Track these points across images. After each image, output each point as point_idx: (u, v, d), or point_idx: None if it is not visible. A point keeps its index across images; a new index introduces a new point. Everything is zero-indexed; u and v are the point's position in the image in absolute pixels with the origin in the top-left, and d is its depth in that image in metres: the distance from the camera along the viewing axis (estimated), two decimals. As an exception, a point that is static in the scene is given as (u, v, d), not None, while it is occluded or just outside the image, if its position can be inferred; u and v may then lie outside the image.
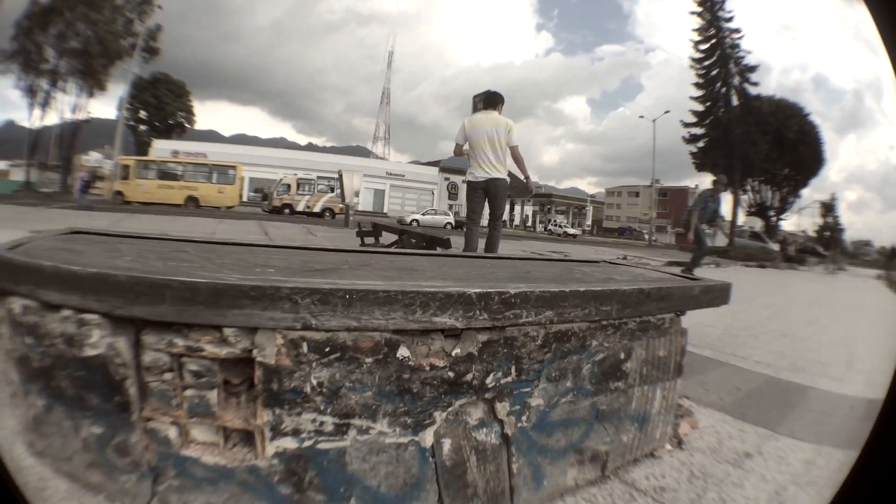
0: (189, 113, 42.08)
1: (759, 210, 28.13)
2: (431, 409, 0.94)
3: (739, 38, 27.14)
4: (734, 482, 1.27)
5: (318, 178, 23.05)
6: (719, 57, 27.41)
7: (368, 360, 0.87)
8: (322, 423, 0.88)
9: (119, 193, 21.78)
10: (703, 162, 27.87)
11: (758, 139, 25.21)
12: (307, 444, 0.88)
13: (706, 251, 5.98)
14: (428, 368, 0.91)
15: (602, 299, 1.01)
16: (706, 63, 27.95)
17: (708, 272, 8.16)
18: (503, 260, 1.63)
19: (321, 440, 0.89)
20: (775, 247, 17.69)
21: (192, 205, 21.28)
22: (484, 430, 1.00)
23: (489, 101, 4.13)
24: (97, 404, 0.88)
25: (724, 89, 27.42)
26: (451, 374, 0.93)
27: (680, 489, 1.23)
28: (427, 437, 0.95)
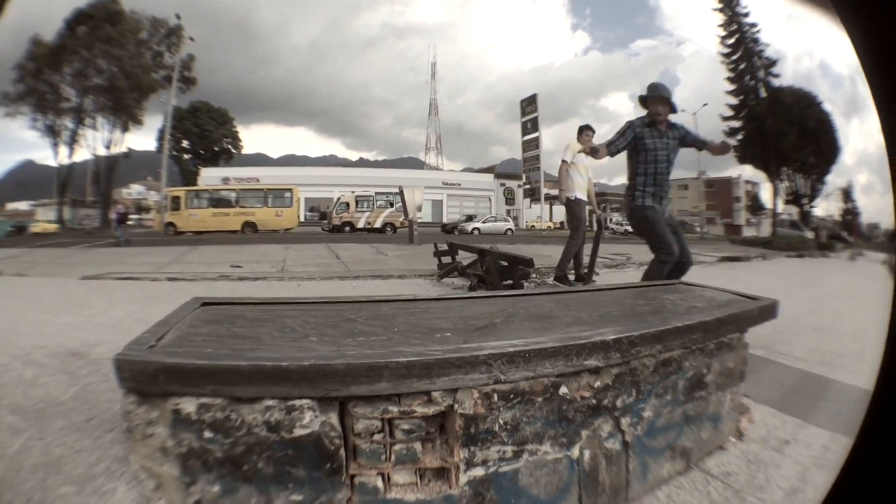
0: (234, 138, 41.53)
1: (794, 198, 29.14)
2: (579, 429, 1.20)
3: (757, 31, 28.22)
4: (776, 465, 1.58)
5: (377, 193, 23.18)
6: (744, 52, 28.44)
7: (539, 399, 1.12)
8: (504, 452, 1.12)
9: (171, 225, 21.81)
10: (743, 155, 28.79)
11: (786, 130, 26.17)
12: (492, 470, 1.12)
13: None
14: (579, 399, 1.17)
15: (693, 330, 1.29)
16: (733, 58, 28.93)
17: (757, 266, 8.27)
18: (605, 292, 1.87)
19: (502, 465, 1.13)
20: (810, 235, 18.39)
21: (250, 230, 21.55)
22: (612, 440, 1.27)
23: None
24: (302, 475, 0.99)
25: (752, 82, 28.43)
26: (594, 401, 1.19)
27: (740, 473, 1.53)
28: (575, 451, 1.21)
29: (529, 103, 37.59)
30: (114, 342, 3.04)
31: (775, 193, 27.96)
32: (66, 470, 1.49)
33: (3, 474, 1.49)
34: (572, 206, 4.65)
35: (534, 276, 4.39)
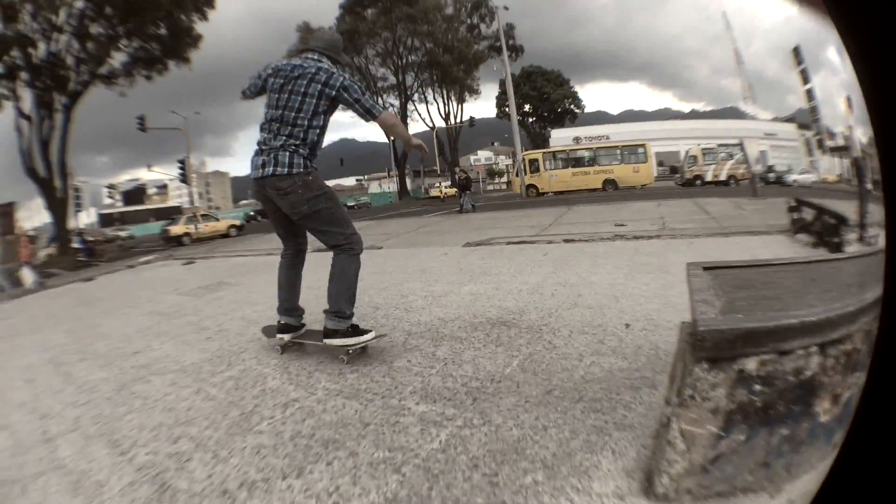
0: (574, 98, 41.79)
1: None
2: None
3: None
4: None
5: (719, 145, 22.65)
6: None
7: None
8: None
9: (532, 187, 22.60)
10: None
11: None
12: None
13: None
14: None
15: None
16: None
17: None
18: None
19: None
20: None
21: (611, 187, 21.16)
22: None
23: None
24: (799, 409, 1.14)
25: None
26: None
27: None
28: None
29: (797, 54, 38.84)
30: (524, 309, 2.97)
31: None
32: (530, 453, 1.34)
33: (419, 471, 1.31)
34: None
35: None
